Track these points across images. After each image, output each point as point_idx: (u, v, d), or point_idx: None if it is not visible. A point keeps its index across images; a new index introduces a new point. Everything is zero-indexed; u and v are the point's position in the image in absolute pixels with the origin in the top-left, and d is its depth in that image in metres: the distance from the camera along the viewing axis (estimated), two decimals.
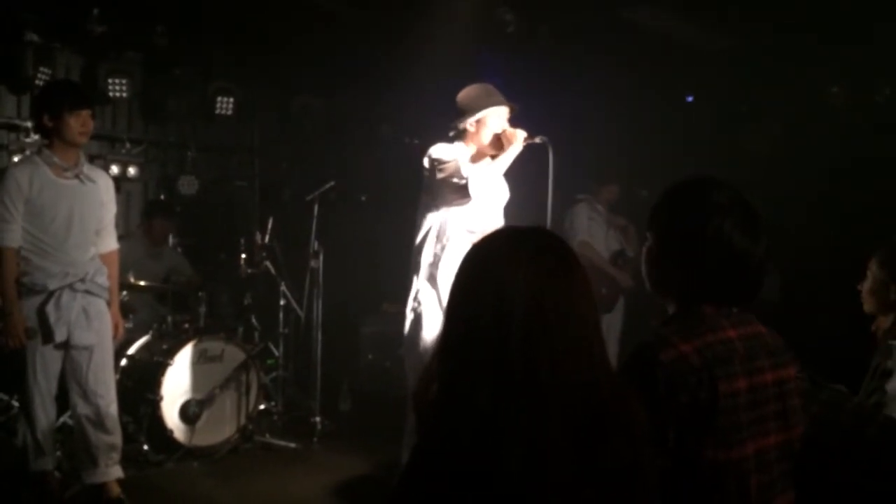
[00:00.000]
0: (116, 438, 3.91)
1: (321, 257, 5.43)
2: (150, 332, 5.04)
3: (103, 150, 6.31)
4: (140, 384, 4.72)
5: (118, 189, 4.41)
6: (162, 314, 5.30)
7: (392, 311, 5.85)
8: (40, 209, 3.69)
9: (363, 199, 6.82)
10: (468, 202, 3.58)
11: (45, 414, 3.79)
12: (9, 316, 3.64)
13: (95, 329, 3.83)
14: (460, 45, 5.68)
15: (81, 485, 3.92)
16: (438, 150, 3.66)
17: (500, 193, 3.88)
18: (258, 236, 5.74)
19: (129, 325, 4.94)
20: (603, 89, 6.22)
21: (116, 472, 3.92)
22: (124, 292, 4.98)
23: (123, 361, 4.88)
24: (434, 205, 3.71)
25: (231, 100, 6.66)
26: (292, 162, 7.35)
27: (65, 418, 4.22)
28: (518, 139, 3.59)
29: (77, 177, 3.80)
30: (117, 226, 4.19)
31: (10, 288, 3.66)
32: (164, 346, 4.81)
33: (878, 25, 4.98)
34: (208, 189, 6.75)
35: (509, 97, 3.80)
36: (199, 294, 5.24)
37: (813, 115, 5.95)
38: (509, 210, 3.92)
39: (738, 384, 1.56)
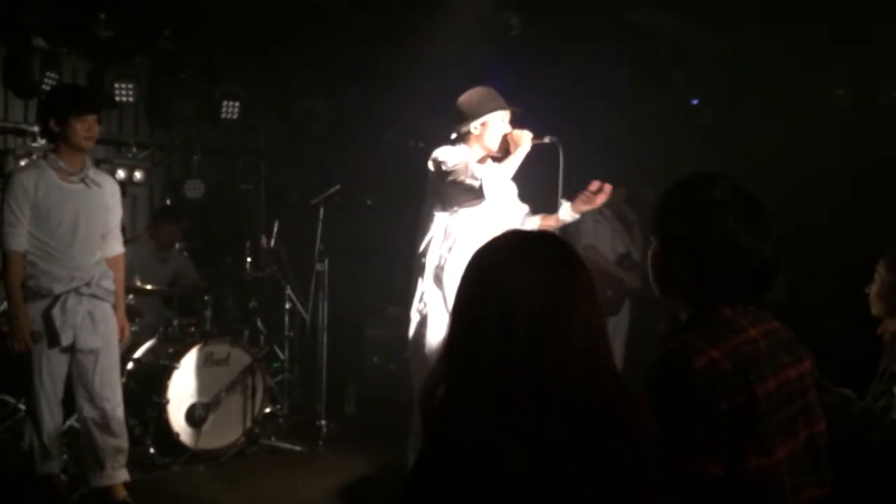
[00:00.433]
0: (123, 442, 3.92)
1: (326, 260, 5.44)
2: (157, 335, 5.06)
3: (109, 154, 6.33)
4: (146, 387, 4.73)
5: (124, 193, 4.43)
6: (168, 318, 5.31)
7: (397, 314, 5.84)
8: (46, 213, 3.71)
9: (368, 201, 6.82)
10: (481, 202, 3.58)
11: (51, 417, 3.80)
12: (15, 319, 3.66)
13: (101, 333, 3.84)
14: (464, 47, 5.68)
15: (88, 488, 3.93)
16: (445, 153, 3.66)
17: (508, 195, 3.88)
18: (264, 240, 5.75)
19: (136, 328, 4.95)
20: (607, 92, 6.22)
21: (123, 475, 3.92)
22: (130, 296, 5.00)
23: (130, 365, 4.89)
24: (440, 207, 3.72)
25: (237, 104, 6.69)
26: (297, 165, 7.37)
27: (71, 422, 4.23)
28: (525, 140, 3.59)
29: (83, 181, 3.81)
30: (123, 230, 4.20)
31: (17, 292, 3.67)
32: (171, 350, 4.82)
33: (881, 27, 4.97)
34: (214, 193, 6.77)
35: (513, 99, 3.80)
36: (205, 297, 5.24)
37: (817, 116, 5.94)
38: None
39: (769, 385, 1.51)
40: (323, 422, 5.25)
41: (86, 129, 3.73)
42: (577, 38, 5.73)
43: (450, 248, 3.66)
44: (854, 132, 5.71)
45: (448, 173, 3.59)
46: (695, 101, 6.66)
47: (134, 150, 6.44)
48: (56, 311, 3.71)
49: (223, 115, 6.69)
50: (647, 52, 5.83)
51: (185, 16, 5.89)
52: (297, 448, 5.05)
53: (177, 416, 4.65)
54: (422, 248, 3.76)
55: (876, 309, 2.68)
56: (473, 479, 1.21)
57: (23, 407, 4.32)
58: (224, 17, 5.81)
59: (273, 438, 5.13)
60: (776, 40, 5.54)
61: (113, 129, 6.36)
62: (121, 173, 6.18)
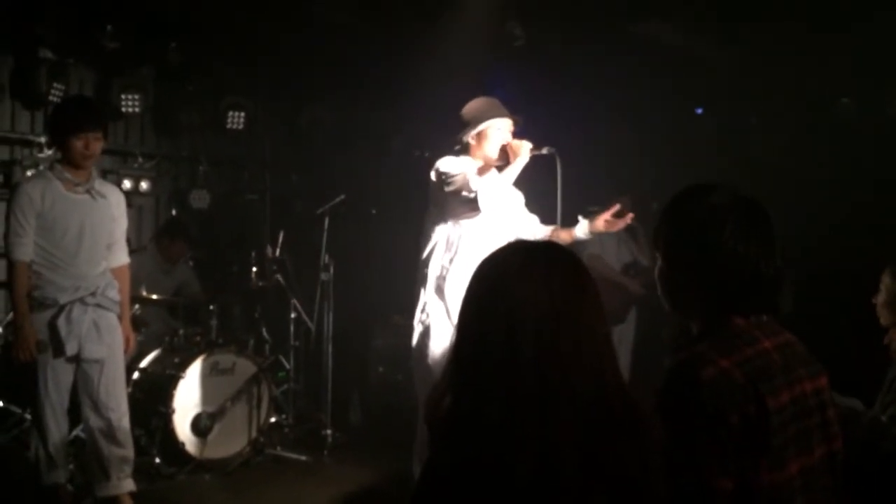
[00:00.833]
0: (128, 451, 3.92)
1: (332, 270, 5.44)
2: (162, 345, 5.06)
3: (115, 164, 6.35)
4: (152, 397, 4.73)
5: (130, 203, 4.45)
6: (174, 327, 5.32)
7: (402, 323, 5.84)
8: (52, 223, 3.72)
9: (373, 211, 6.83)
10: (477, 215, 3.59)
11: (57, 427, 3.80)
12: (20, 329, 3.67)
13: (106, 343, 3.85)
14: (470, 57, 5.70)
15: (93, 498, 3.93)
16: (446, 164, 3.68)
17: (512, 205, 3.88)
18: (269, 249, 5.76)
19: (141, 338, 4.96)
20: (611, 101, 6.23)
21: (128, 485, 3.92)
22: (136, 306, 5.01)
23: (135, 374, 4.90)
24: (442, 217, 3.73)
25: (242, 114, 6.71)
26: (303, 175, 7.38)
27: (77, 431, 4.23)
28: (524, 150, 3.59)
29: (88, 192, 3.82)
30: (129, 240, 4.21)
31: (22, 301, 3.68)
32: (176, 359, 4.83)
33: (888, 37, 4.97)
34: (219, 202, 6.79)
35: (519, 109, 3.81)
36: (211, 307, 5.25)
37: (822, 125, 5.93)
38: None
39: (783, 398, 1.46)
40: (328, 431, 5.25)
41: (83, 146, 3.73)
42: (581, 49, 5.75)
43: (451, 259, 3.67)
44: (859, 141, 5.70)
45: (447, 184, 3.61)
46: (699, 111, 6.66)
47: (140, 160, 6.47)
48: (61, 321, 3.72)
49: (229, 126, 6.71)
50: (651, 62, 5.84)
51: (191, 27, 5.93)
52: (303, 458, 5.05)
53: (182, 426, 4.65)
54: (424, 257, 3.78)
55: (883, 319, 2.68)
56: (480, 489, 1.21)
57: (28, 417, 4.32)
58: (230, 29, 5.85)
59: (278, 448, 5.13)
60: (780, 49, 5.54)
61: (119, 139, 6.39)
62: (127, 183, 6.20)
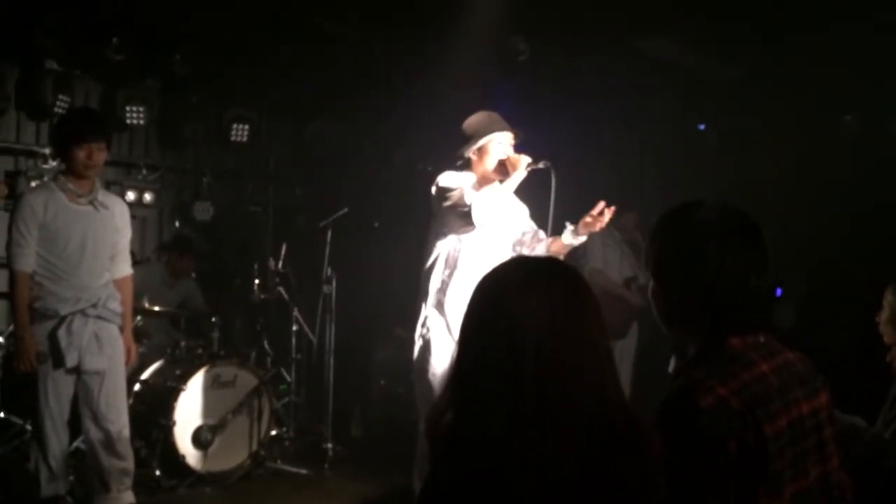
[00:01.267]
0: (129, 463, 3.91)
1: (334, 283, 5.45)
2: (164, 356, 5.06)
3: (120, 176, 6.38)
4: (153, 409, 4.72)
5: (133, 215, 4.46)
6: (176, 339, 5.32)
7: (404, 336, 5.83)
8: (54, 234, 3.73)
9: (376, 225, 6.84)
10: (472, 229, 3.60)
11: (57, 438, 3.80)
12: (21, 340, 3.67)
13: (107, 354, 3.84)
14: (472, 71, 5.72)
15: None
16: (445, 179, 3.70)
17: (514, 218, 3.87)
18: (272, 262, 5.77)
19: (143, 349, 4.96)
20: (615, 118, 6.25)
21: (128, 497, 3.91)
22: (138, 317, 5.01)
23: (137, 386, 4.89)
24: (442, 232, 3.74)
25: (246, 127, 6.74)
26: (306, 188, 7.40)
27: (78, 443, 4.22)
28: (521, 165, 3.60)
29: (91, 203, 3.84)
30: (132, 251, 4.22)
31: (23, 312, 3.69)
32: (178, 371, 4.82)
33: (891, 54, 4.98)
34: (223, 215, 6.81)
35: (522, 124, 3.82)
36: (213, 319, 5.26)
37: (825, 143, 5.94)
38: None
39: (780, 423, 1.45)
40: (329, 445, 5.23)
41: (86, 156, 3.75)
42: (585, 65, 5.77)
43: (451, 274, 3.67)
44: (862, 158, 5.71)
45: (445, 198, 3.62)
46: (701, 127, 6.67)
47: (144, 172, 6.49)
48: (62, 333, 3.72)
49: (233, 138, 6.74)
50: (654, 79, 5.86)
51: (196, 40, 5.96)
52: (303, 471, 5.03)
53: (183, 439, 4.64)
54: (425, 271, 3.78)
55: (887, 336, 2.66)
56: None
57: (29, 428, 4.31)
58: (234, 42, 5.88)
59: (279, 461, 5.11)
60: (783, 66, 5.56)
61: (123, 151, 6.42)
62: (131, 195, 6.22)
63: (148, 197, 6.43)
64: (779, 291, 5.85)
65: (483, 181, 3.70)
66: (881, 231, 5.29)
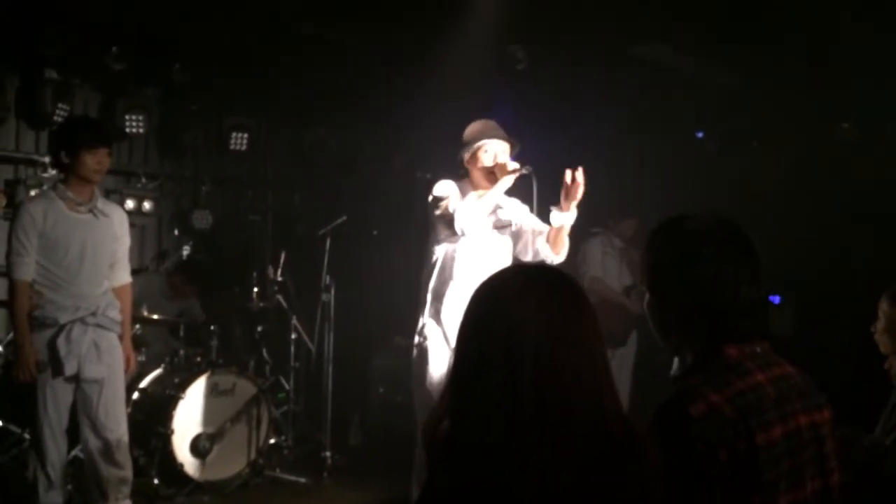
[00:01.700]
0: (127, 472, 3.90)
1: (333, 291, 5.44)
2: (163, 365, 5.05)
3: (119, 184, 6.38)
4: (151, 418, 4.72)
5: (133, 223, 4.46)
6: (174, 348, 5.32)
7: (403, 344, 5.83)
8: (54, 243, 3.73)
9: (375, 233, 6.84)
10: (457, 239, 3.61)
11: (55, 447, 3.79)
12: (20, 349, 3.67)
13: (106, 362, 3.84)
14: (471, 79, 5.74)
15: None
16: (438, 188, 3.72)
17: (511, 220, 3.84)
18: (271, 270, 5.77)
19: (142, 358, 4.96)
20: (614, 124, 6.26)
21: None
22: (137, 326, 5.00)
23: (135, 395, 4.88)
24: (438, 240, 3.75)
25: (245, 135, 6.75)
26: (305, 196, 7.41)
27: (76, 452, 4.21)
28: (508, 170, 3.60)
29: (91, 211, 3.84)
30: (131, 260, 4.22)
31: (23, 321, 3.68)
32: (176, 380, 4.81)
33: (889, 60, 5.00)
34: (222, 223, 6.80)
35: (521, 131, 3.82)
36: (212, 328, 5.25)
37: (823, 150, 5.95)
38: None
39: (774, 433, 1.45)
40: (328, 453, 5.22)
41: (96, 161, 3.77)
42: (583, 72, 5.79)
43: (445, 281, 3.68)
44: (860, 164, 5.72)
45: (436, 207, 3.64)
46: (700, 134, 6.69)
47: (143, 180, 6.49)
48: (61, 341, 3.71)
49: (232, 146, 6.75)
50: (652, 85, 5.88)
51: (195, 49, 5.98)
52: (302, 480, 5.02)
53: (181, 447, 4.63)
54: (422, 280, 3.79)
55: (883, 347, 2.65)
56: None
57: (27, 437, 4.31)
58: (233, 50, 5.90)
59: (277, 470, 5.10)
60: (781, 73, 5.58)
61: (123, 159, 6.42)
62: (130, 203, 6.22)
63: (147, 205, 6.43)
64: (777, 299, 5.85)
65: (478, 189, 3.70)
66: (880, 236, 5.30)
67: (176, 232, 6.63)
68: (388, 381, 6.41)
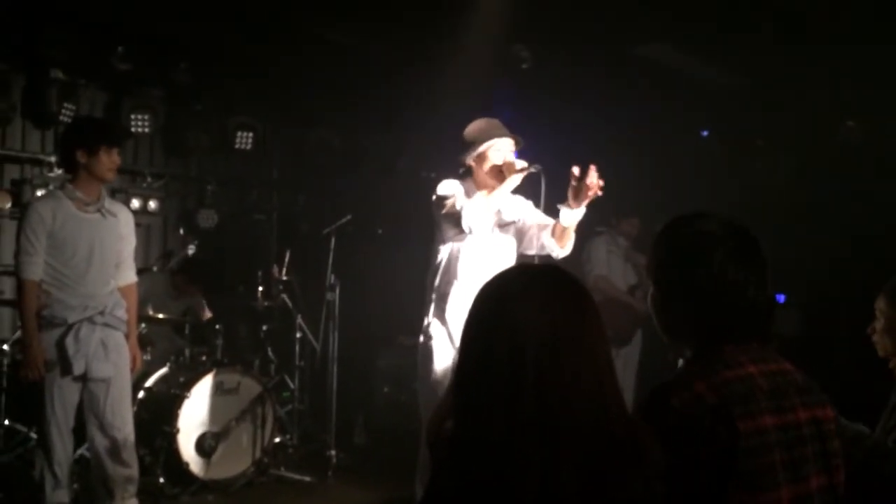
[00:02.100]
0: (133, 471, 3.92)
1: (337, 290, 5.45)
2: (168, 364, 5.07)
3: (124, 183, 6.40)
4: (157, 417, 4.73)
5: (138, 223, 4.48)
6: (180, 347, 5.33)
7: (408, 343, 5.84)
8: (62, 242, 3.75)
9: (379, 232, 6.85)
10: (464, 237, 3.61)
11: (62, 446, 3.80)
12: (28, 348, 3.68)
13: (113, 361, 3.85)
14: (476, 79, 5.74)
15: None
16: (442, 187, 3.71)
17: (516, 217, 3.84)
18: (275, 269, 5.78)
19: (147, 357, 4.97)
20: (618, 124, 6.26)
21: None
22: (143, 325, 5.02)
23: (141, 394, 4.90)
24: (443, 240, 3.75)
25: (250, 134, 6.77)
26: (310, 195, 7.42)
27: (82, 451, 4.23)
28: (514, 169, 3.60)
29: (98, 211, 3.86)
30: (136, 259, 4.24)
31: (31, 320, 3.70)
32: (182, 379, 4.83)
33: (893, 59, 4.99)
34: (227, 222, 6.82)
35: (525, 131, 3.82)
36: (217, 327, 5.27)
37: (828, 149, 5.94)
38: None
39: (763, 422, 1.45)
40: (332, 452, 5.23)
41: (111, 161, 3.81)
42: (588, 72, 5.79)
43: (449, 281, 3.68)
44: (865, 164, 5.71)
45: (441, 206, 3.64)
46: (704, 133, 6.68)
47: (149, 179, 6.52)
48: (69, 340, 3.73)
49: (237, 146, 6.77)
50: (657, 85, 5.87)
51: (200, 49, 6.00)
52: (307, 478, 5.03)
53: (187, 446, 4.65)
54: (427, 279, 3.79)
55: (882, 349, 2.61)
56: None
57: (34, 436, 4.33)
58: (238, 51, 5.91)
59: (282, 468, 5.12)
60: (785, 72, 5.57)
61: (128, 159, 6.43)
62: (135, 203, 6.25)
63: (152, 205, 6.45)
64: (781, 298, 5.85)
65: (483, 188, 3.70)
66: (884, 237, 5.29)
67: (181, 231, 6.65)
68: (392, 381, 6.42)
